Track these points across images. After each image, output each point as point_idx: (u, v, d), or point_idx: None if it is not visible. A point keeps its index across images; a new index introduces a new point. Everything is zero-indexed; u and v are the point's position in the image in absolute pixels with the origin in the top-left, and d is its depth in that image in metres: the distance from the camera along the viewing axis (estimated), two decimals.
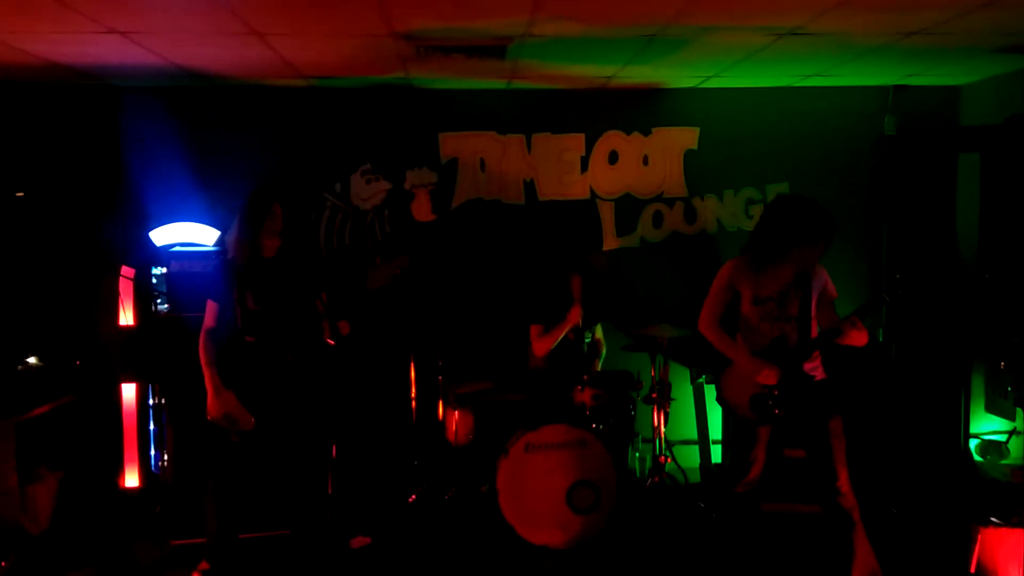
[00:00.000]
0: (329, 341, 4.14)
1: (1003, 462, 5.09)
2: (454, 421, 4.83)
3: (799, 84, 5.56)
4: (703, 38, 4.16)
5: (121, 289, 4.82)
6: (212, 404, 3.83)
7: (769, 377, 3.85)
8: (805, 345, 3.92)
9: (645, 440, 5.33)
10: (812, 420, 3.90)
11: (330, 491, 4.61)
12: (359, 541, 4.54)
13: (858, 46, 4.41)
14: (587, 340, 5.11)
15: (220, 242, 4.86)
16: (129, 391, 4.84)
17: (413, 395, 5.16)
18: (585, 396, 4.69)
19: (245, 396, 3.85)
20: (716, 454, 5.46)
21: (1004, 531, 3.96)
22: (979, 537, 4.00)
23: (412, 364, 5.18)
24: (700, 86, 5.55)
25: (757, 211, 5.69)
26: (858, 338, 3.73)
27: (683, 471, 5.18)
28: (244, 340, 3.89)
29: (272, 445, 3.94)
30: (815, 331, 3.94)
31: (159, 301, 4.86)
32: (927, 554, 4.24)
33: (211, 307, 3.90)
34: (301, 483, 4.05)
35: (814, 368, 3.97)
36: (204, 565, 3.99)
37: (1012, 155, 4.74)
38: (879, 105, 5.67)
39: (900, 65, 5.00)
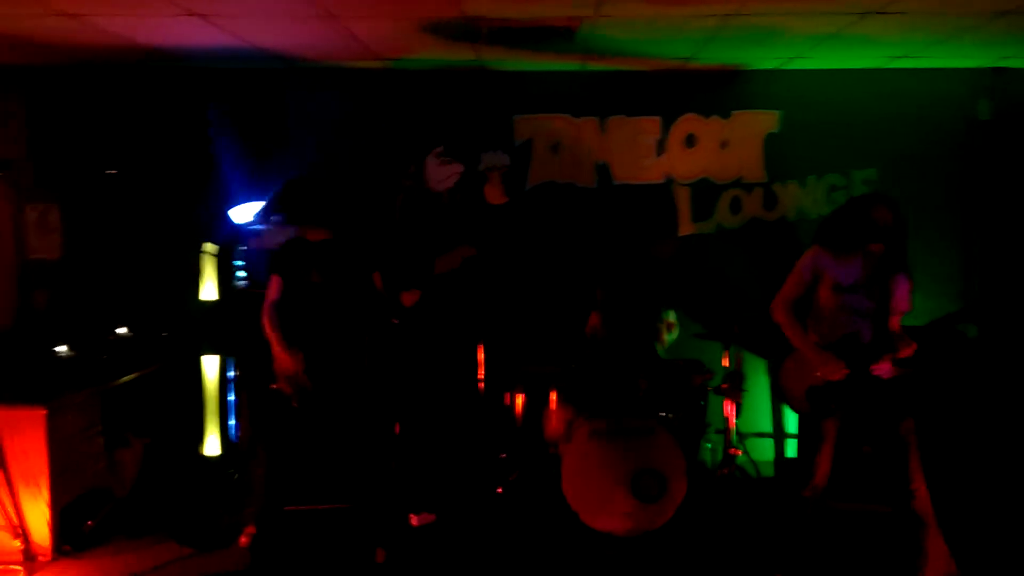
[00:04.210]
0: (393, 320, 4.23)
1: None
2: (520, 404, 4.84)
3: (887, 66, 5.32)
4: (779, 19, 4.03)
5: (206, 265, 5.02)
6: (280, 362, 3.98)
7: (834, 372, 3.76)
8: (878, 345, 3.82)
9: (718, 431, 5.23)
10: (879, 420, 3.80)
11: (392, 468, 4.69)
12: (422, 518, 4.61)
13: (947, 26, 4.19)
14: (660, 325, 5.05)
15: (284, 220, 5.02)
16: (211, 362, 5.03)
17: (481, 376, 5.19)
18: (653, 384, 4.63)
19: (308, 365, 3.98)
20: (791, 448, 5.33)
21: None
22: None
23: (480, 346, 5.21)
24: (782, 68, 5.37)
25: (841, 198, 5.46)
26: (907, 355, 3.73)
27: (755, 464, 5.05)
28: (307, 312, 4.03)
29: (332, 417, 4.06)
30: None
31: (240, 277, 5.03)
32: (1005, 558, 4.05)
33: (275, 280, 4.08)
34: (361, 458, 4.15)
35: (882, 370, 3.87)
36: (251, 529, 4.14)
37: None
38: (974, 88, 5.38)
39: (995, 46, 4.74)
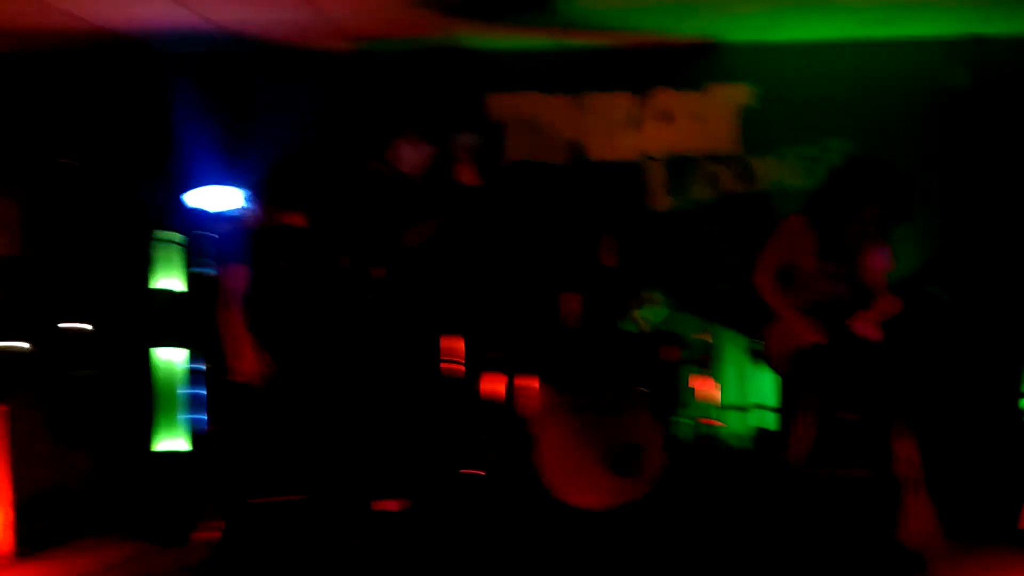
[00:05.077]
0: (369, 296, 4.16)
1: None
2: (497, 385, 4.74)
3: (862, 36, 5.25)
4: None
5: (169, 254, 4.92)
6: (239, 358, 3.86)
7: (816, 335, 3.75)
8: (859, 307, 3.84)
9: (695, 405, 5.14)
10: (865, 382, 3.79)
11: (361, 455, 4.57)
12: (389, 504, 4.47)
13: None
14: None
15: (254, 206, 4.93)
16: (174, 355, 4.91)
17: (457, 356, 5.08)
18: (630, 357, 4.55)
19: (271, 348, 3.89)
20: (770, 422, 5.24)
21: None
22: None
23: (457, 330, 5.11)
24: (755, 40, 5.30)
25: (818, 170, 5.41)
26: (890, 309, 3.79)
27: (736, 437, 4.97)
28: (274, 300, 3.95)
29: (301, 405, 3.96)
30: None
31: (205, 265, 4.92)
32: (982, 515, 3.97)
33: (241, 270, 3.96)
34: (333, 445, 4.05)
35: (866, 330, 3.87)
36: (215, 524, 4.01)
37: None
38: (953, 59, 5.29)
39: (972, 10, 4.66)
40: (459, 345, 5.06)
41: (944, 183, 5.32)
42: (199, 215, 4.92)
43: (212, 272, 4.81)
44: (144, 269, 4.85)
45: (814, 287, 3.93)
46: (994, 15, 4.67)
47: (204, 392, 4.83)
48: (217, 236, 4.76)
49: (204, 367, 4.85)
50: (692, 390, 5.02)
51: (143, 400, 4.84)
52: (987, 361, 4.95)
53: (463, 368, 5.07)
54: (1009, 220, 5.16)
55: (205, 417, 4.90)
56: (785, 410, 4.58)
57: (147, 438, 4.83)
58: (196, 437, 4.93)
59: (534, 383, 4.63)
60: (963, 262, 3.93)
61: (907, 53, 5.33)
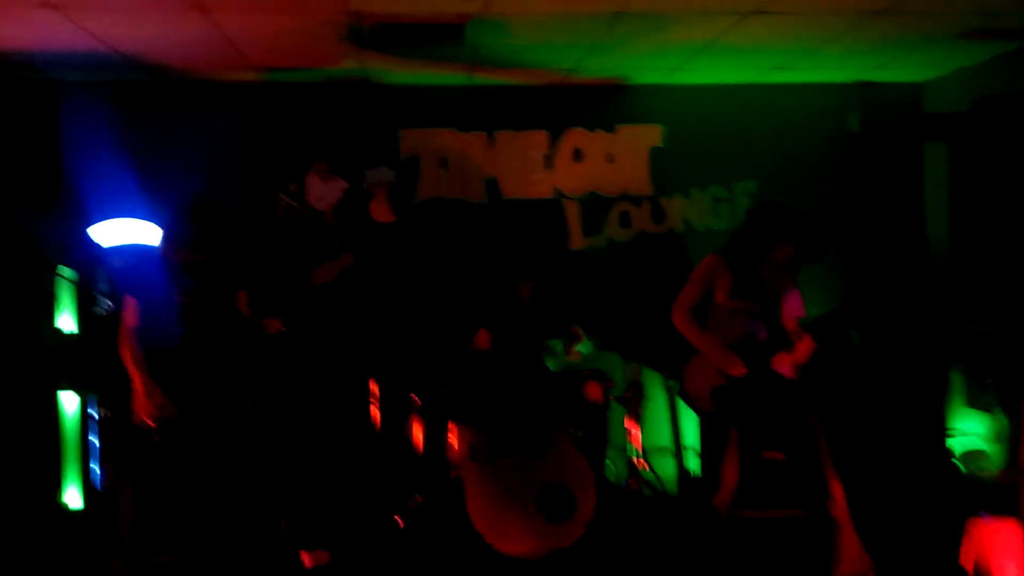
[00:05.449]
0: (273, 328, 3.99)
1: (985, 465, 4.96)
2: (417, 428, 4.57)
3: (764, 81, 5.48)
4: (664, 20, 4.06)
5: (62, 291, 4.56)
6: (142, 401, 3.66)
7: (735, 368, 3.80)
8: (774, 344, 3.94)
9: (620, 448, 5.11)
10: (787, 419, 3.87)
11: (273, 502, 4.32)
12: (316, 556, 4.22)
13: (823, 28, 4.31)
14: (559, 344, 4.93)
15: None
16: (70, 400, 4.53)
17: (373, 400, 4.89)
18: (553, 395, 4.48)
19: (172, 393, 3.70)
20: (692, 463, 5.26)
21: (995, 522, 3.81)
22: (970, 530, 3.84)
23: (370, 372, 4.93)
24: (664, 82, 5.44)
25: (725, 210, 5.59)
26: (805, 351, 3.87)
27: (660, 479, 4.95)
28: (170, 336, 3.77)
29: (205, 452, 3.76)
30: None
31: (102, 302, 4.58)
32: (915, 551, 4.07)
33: (133, 303, 3.76)
34: (240, 496, 3.83)
35: (784, 368, 3.98)
36: None
37: (980, 140, 4.67)
38: (844, 102, 5.59)
39: (863, 57, 4.95)
40: (373, 387, 4.89)
41: (844, 223, 5.57)
42: (97, 249, 4.58)
43: (109, 309, 4.50)
44: (40, 307, 4.48)
45: (730, 325, 4.00)
46: (878, 58, 4.95)
47: (105, 439, 4.46)
48: (115, 270, 4.46)
49: (99, 413, 4.50)
50: (618, 430, 5.00)
51: (43, 449, 4.44)
52: (910, 400, 5.13)
53: (378, 411, 4.90)
54: (907, 258, 5.43)
55: (104, 467, 4.53)
56: (707, 450, 4.62)
57: (48, 491, 4.46)
58: (97, 490, 4.55)
59: (456, 424, 4.48)
60: (872, 301, 4.09)
61: (804, 97, 5.59)
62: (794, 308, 4.14)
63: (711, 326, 3.99)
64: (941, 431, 5.07)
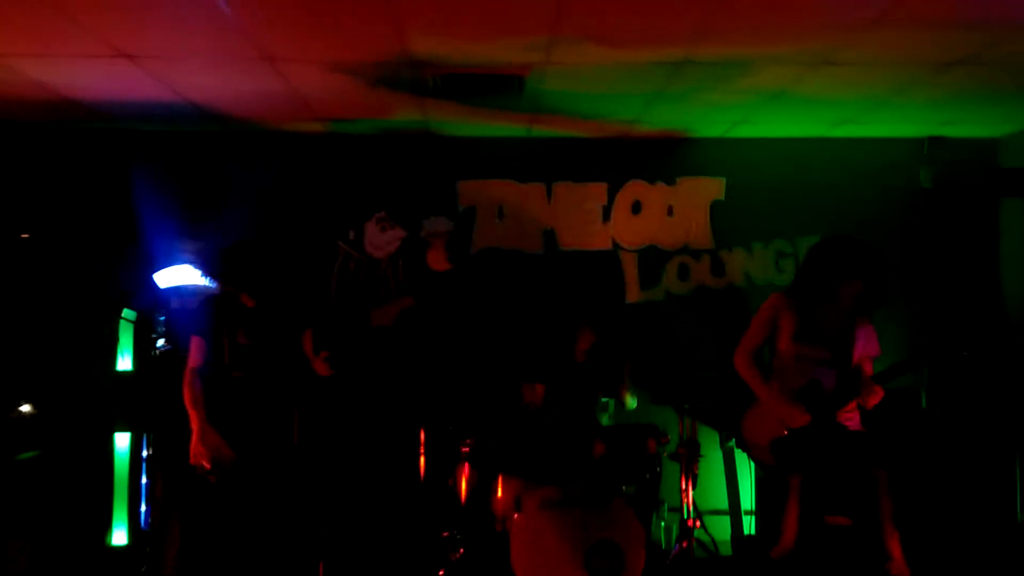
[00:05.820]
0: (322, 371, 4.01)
1: None
2: (464, 476, 4.49)
3: (829, 135, 5.37)
4: (730, 69, 4.01)
5: (123, 333, 4.66)
6: (196, 443, 3.71)
7: (797, 419, 3.63)
8: (842, 393, 3.74)
9: (672, 509, 4.93)
10: (851, 474, 3.67)
11: (314, 545, 4.28)
12: None
13: (893, 79, 4.20)
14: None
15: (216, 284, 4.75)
16: (123, 440, 4.59)
17: (422, 448, 4.83)
18: (606, 449, 4.35)
19: (228, 433, 3.75)
20: (749, 526, 5.04)
21: None
22: None
23: (418, 415, 4.88)
24: (726, 135, 5.38)
25: (788, 265, 5.45)
26: (874, 401, 3.67)
27: (714, 541, 4.75)
28: (231, 377, 3.85)
29: (256, 496, 3.77)
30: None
31: (160, 342, 4.67)
32: None
33: (197, 343, 3.87)
34: (288, 540, 3.81)
35: (849, 419, 3.78)
36: None
37: None
38: (914, 157, 5.43)
39: (934, 111, 4.81)
40: (421, 435, 4.84)
41: (913, 281, 5.37)
42: (161, 292, 4.69)
43: (169, 350, 4.58)
44: (102, 349, 4.58)
45: (795, 373, 3.84)
46: (950, 113, 4.81)
47: (156, 479, 4.50)
48: (174, 312, 4.55)
49: (150, 452, 4.55)
50: (671, 488, 4.83)
51: (94, 488, 4.49)
52: (981, 466, 4.88)
53: (424, 459, 4.84)
54: (981, 317, 5.20)
55: (154, 507, 4.56)
56: (764, 504, 4.42)
57: (97, 530, 4.47)
58: (144, 530, 4.57)
59: (506, 476, 4.39)
60: (942, 359, 3.86)
61: (872, 152, 5.46)
62: (868, 346, 3.91)
63: (775, 377, 3.86)
64: (1012, 502, 4.76)
